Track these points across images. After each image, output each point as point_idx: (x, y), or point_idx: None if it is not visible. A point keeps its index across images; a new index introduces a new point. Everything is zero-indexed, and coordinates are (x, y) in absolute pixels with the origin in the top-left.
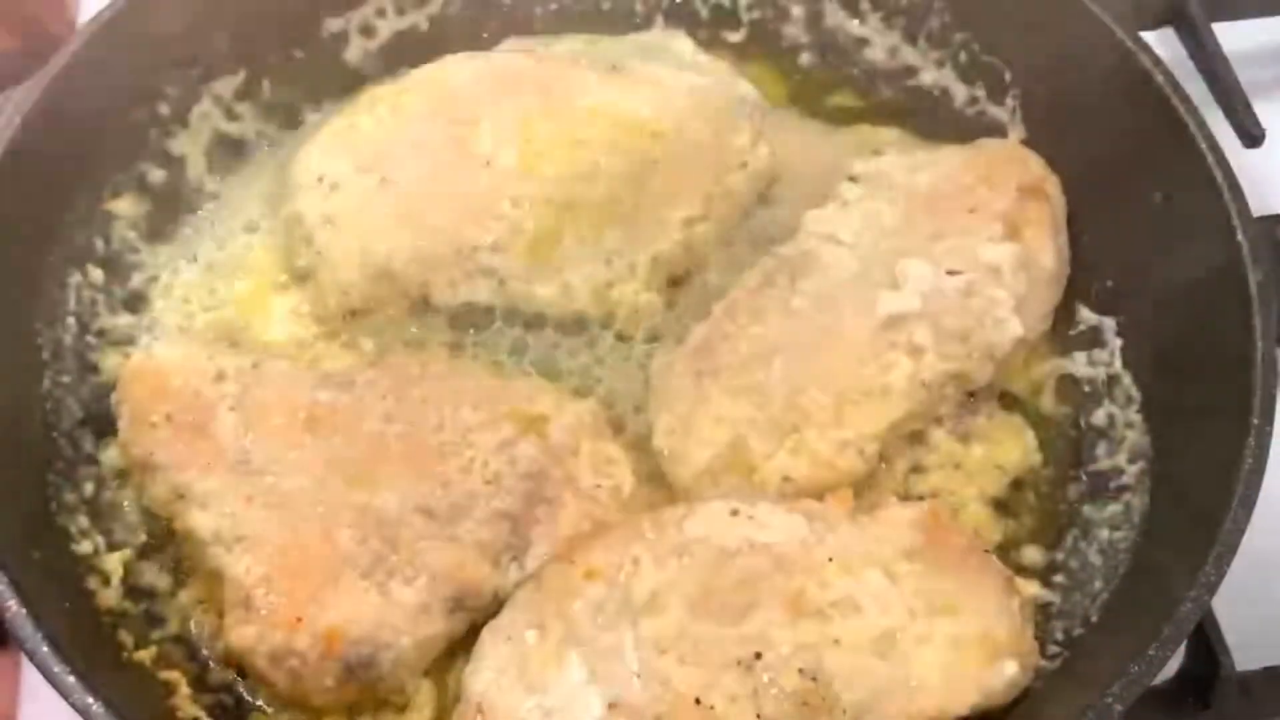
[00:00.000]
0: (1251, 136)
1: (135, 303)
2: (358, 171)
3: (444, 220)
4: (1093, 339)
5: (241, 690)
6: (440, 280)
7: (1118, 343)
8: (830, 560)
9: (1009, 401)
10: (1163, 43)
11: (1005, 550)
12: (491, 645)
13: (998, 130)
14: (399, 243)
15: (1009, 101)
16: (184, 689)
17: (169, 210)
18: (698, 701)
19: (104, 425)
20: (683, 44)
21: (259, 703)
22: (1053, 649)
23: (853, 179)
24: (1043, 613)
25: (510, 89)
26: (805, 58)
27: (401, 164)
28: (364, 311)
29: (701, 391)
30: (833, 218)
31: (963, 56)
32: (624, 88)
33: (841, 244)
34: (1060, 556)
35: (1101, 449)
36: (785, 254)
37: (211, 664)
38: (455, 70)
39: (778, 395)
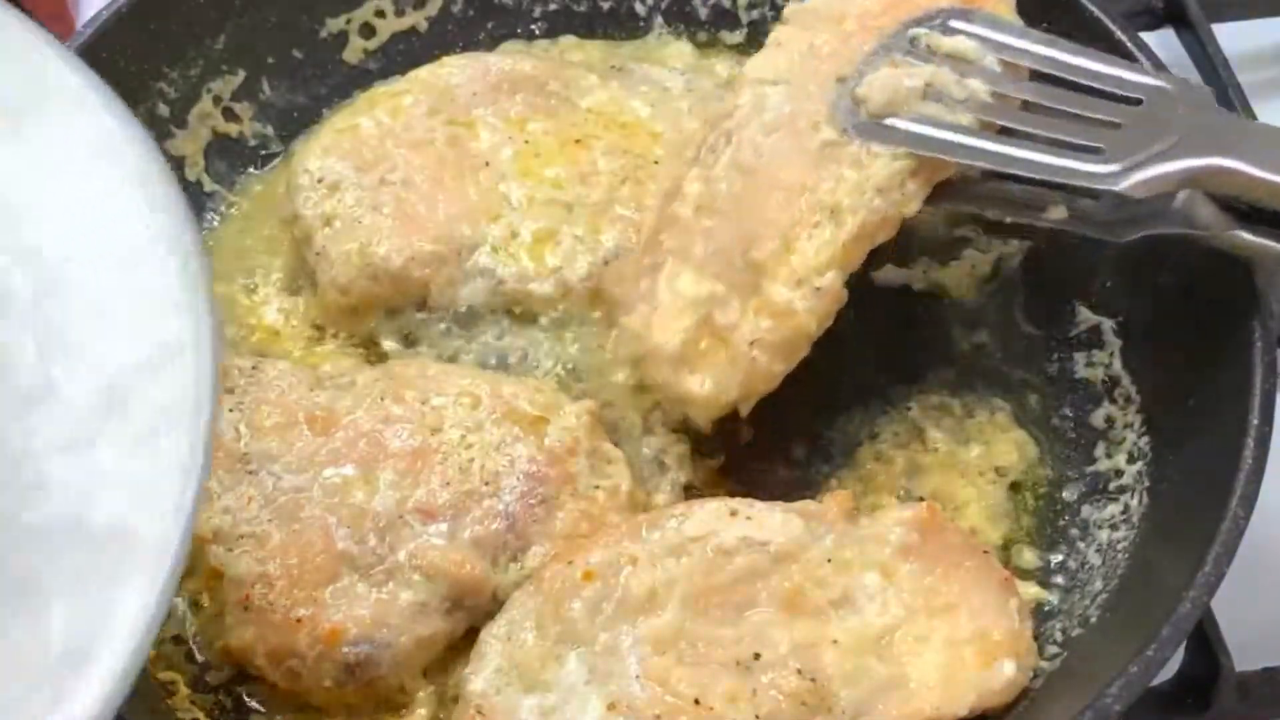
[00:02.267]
0: None
1: None
2: (357, 172)
3: (443, 220)
4: (1092, 339)
5: (240, 691)
6: (439, 280)
7: (1117, 343)
8: (828, 560)
9: (1007, 403)
10: (1163, 43)
11: (1004, 551)
12: (490, 645)
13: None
14: (398, 243)
15: None
16: (183, 689)
17: None
18: (696, 702)
19: None
20: (682, 45)
21: (258, 703)
22: (1051, 649)
23: (783, 22)
24: (1041, 613)
25: (509, 89)
26: None
27: (400, 164)
28: (363, 311)
29: (655, 285)
30: (764, 63)
31: None
32: (624, 88)
33: (776, 84)
34: (1059, 557)
35: (1100, 449)
36: (721, 124)
37: (210, 664)
38: (455, 71)
39: (730, 261)
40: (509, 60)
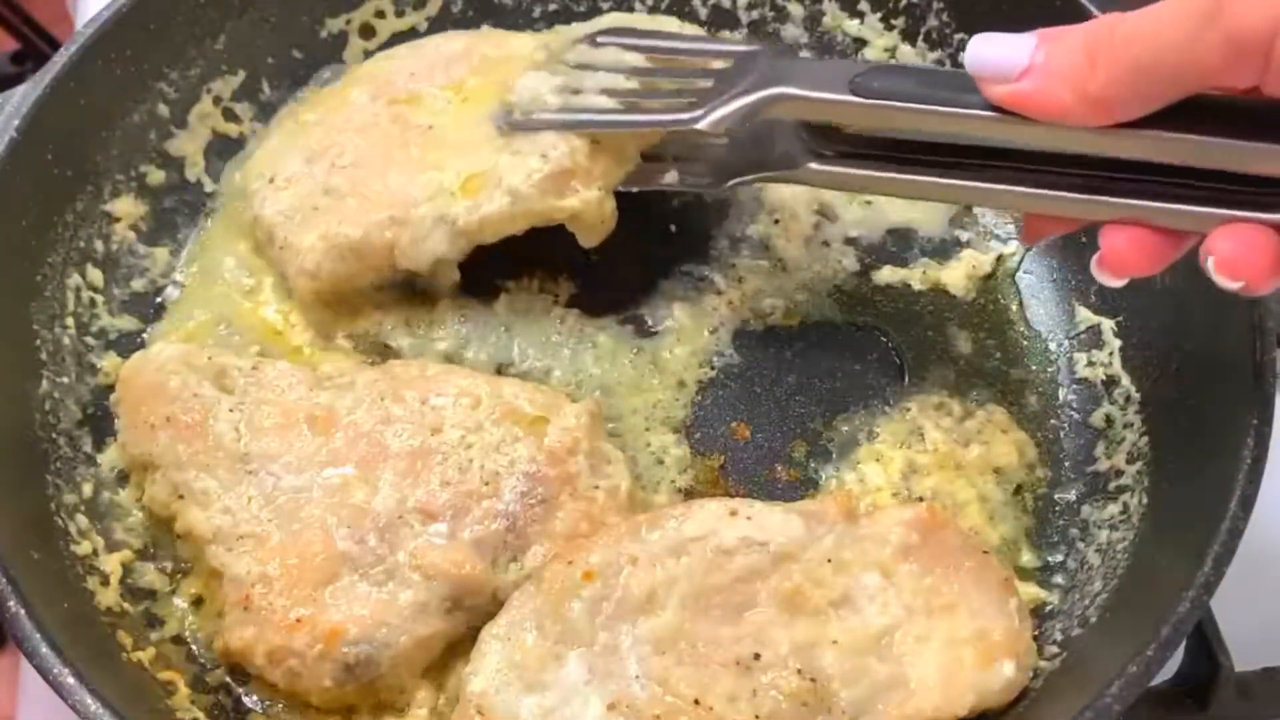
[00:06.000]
0: None
1: (134, 304)
2: (307, 164)
3: (394, 188)
4: (1092, 339)
5: (240, 691)
6: (402, 242)
7: (1117, 343)
8: (828, 560)
9: (1007, 403)
10: None
11: (1003, 551)
12: (490, 645)
13: None
14: (355, 218)
15: None
16: (183, 689)
17: (169, 211)
18: (696, 702)
19: (103, 426)
20: (668, 22)
21: (258, 703)
22: (1051, 649)
23: None
24: (1041, 613)
25: (449, 64)
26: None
27: (349, 148)
28: (342, 300)
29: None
30: None
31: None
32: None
33: None
34: (1058, 557)
35: (1100, 449)
36: None
37: (210, 664)
38: (395, 57)
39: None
40: (447, 39)
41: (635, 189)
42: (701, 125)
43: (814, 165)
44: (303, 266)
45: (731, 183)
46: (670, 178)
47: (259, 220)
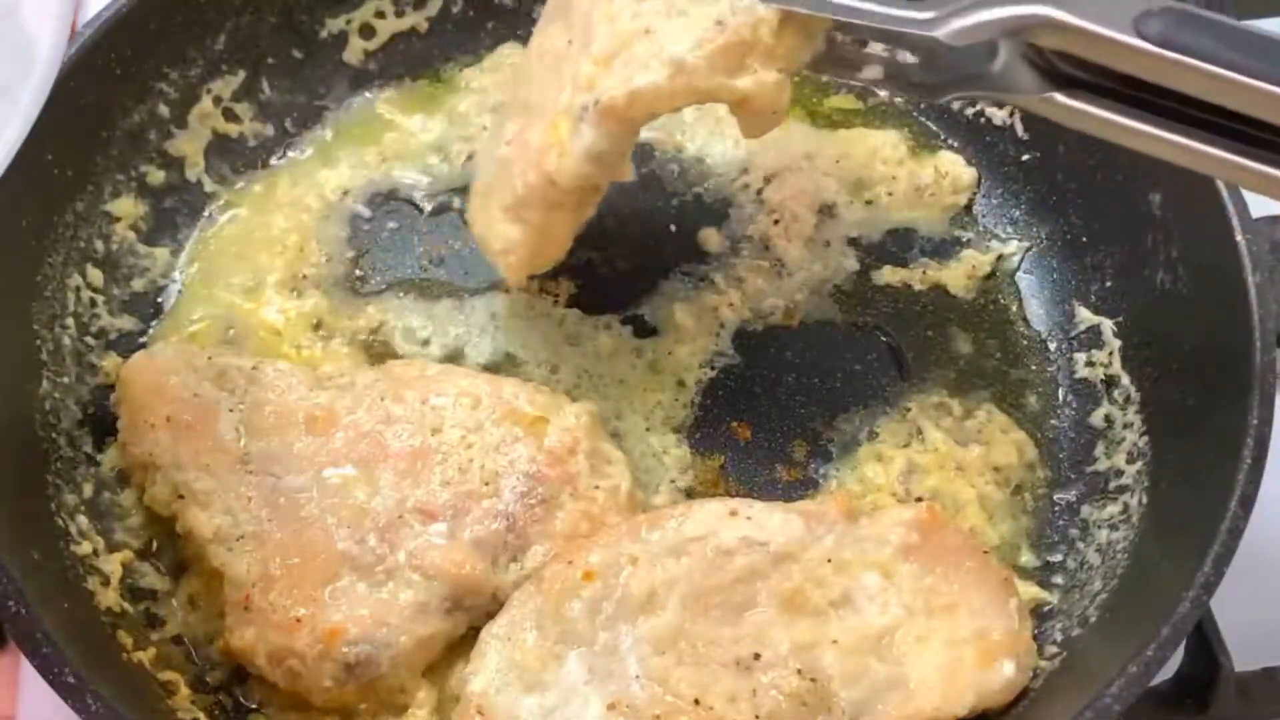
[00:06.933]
0: None
1: (135, 304)
2: (488, 155)
3: (550, 109)
4: (1091, 339)
5: (240, 691)
6: (551, 165)
7: (1116, 343)
8: (828, 560)
9: (1007, 403)
10: None
11: (1003, 551)
12: (490, 645)
13: (997, 132)
14: (520, 166)
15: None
16: (183, 690)
17: (169, 211)
18: (696, 702)
19: (104, 426)
20: None
21: (257, 703)
22: (1051, 649)
23: None
24: (1041, 613)
25: None
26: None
27: (510, 116)
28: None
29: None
30: None
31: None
32: None
33: None
34: (1058, 557)
35: (1100, 449)
36: None
37: (210, 664)
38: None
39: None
40: None
41: (824, 77)
42: (940, 33)
43: (1060, 98)
44: (493, 250)
45: (948, 96)
46: (872, 73)
47: (481, 241)
